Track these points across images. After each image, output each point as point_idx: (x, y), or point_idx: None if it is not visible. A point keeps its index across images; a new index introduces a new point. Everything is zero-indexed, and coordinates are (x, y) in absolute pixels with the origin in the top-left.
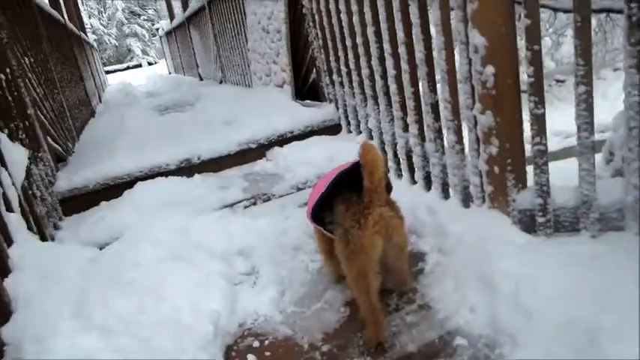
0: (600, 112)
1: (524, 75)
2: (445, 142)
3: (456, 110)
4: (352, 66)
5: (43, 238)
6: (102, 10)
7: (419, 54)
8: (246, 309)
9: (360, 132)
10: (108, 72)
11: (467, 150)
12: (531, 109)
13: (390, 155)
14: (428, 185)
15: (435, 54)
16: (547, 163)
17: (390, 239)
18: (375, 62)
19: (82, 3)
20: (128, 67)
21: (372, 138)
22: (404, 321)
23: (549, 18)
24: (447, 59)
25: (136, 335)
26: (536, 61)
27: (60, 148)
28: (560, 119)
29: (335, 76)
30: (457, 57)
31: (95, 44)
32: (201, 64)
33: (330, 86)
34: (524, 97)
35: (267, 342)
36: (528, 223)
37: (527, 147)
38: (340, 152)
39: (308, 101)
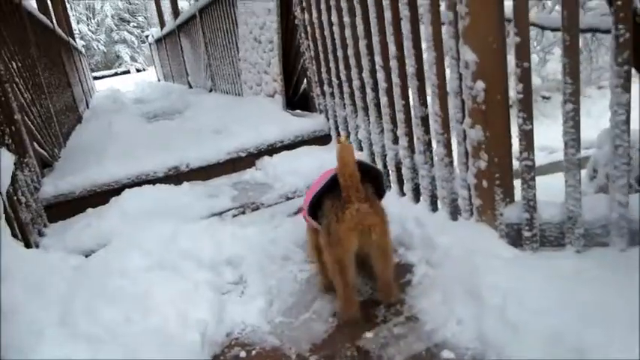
0: (585, 129)
1: (512, 91)
2: (434, 155)
3: (446, 124)
4: (343, 77)
5: (28, 245)
6: (91, 15)
7: (410, 68)
8: (233, 319)
9: (350, 142)
10: (96, 78)
11: (456, 163)
12: (520, 124)
13: (379, 166)
14: (417, 197)
15: (425, 67)
16: (534, 179)
17: (369, 236)
18: (366, 75)
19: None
20: (116, 74)
21: (361, 149)
22: (391, 332)
23: (537, 36)
24: (437, 74)
25: (123, 345)
26: (525, 78)
27: (46, 154)
28: (546, 135)
29: (326, 87)
30: (448, 72)
31: (83, 50)
32: (191, 72)
33: (320, 97)
34: (512, 112)
35: (254, 352)
36: (515, 237)
37: (514, 162)
38: (330, 162)
39: (298, 111)
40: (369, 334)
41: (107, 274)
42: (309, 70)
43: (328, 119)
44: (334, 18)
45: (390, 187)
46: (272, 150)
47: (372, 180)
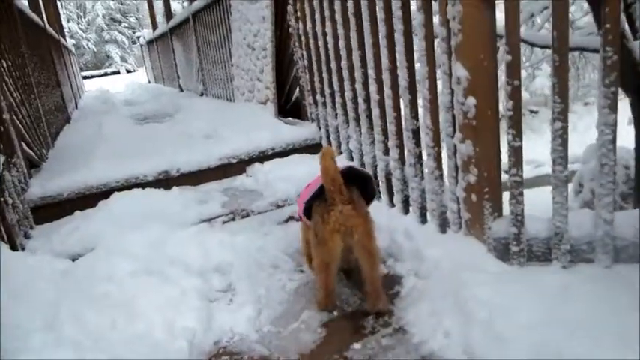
0: (571, 144)
1: (501, 104)
2: (425, 168)
3: (436, 137)
4: (336, 88)
5: (14, 248)
6: (81, 14)
7: (402, 81)
8: (221, 326)
9: (341, 152)
10: (85, 77)
11: (446, 176)
12: (509, 141)
13: None
14: (406, 209)
15: (418, 80)
16: (522, 194)
17: (352, 236)
18: (358, 86)
19: (62, 6)
20: (106, 74)
21: (352, 159)
22: (379, 344)
23: (525, 51)
24: (429, 88)
25: (108, 351)
26: (515, 95)
27: (34, 155)
28: (532, 149)
29: (318, 96)
30: (440, 86)
31: (73, 49)
32: (182, 75)
33: (312, 106)
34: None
35: None
36: (503, 252)
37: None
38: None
39: (290, 119)
40: (357, 345)
41: (94, 278)
42: (302, 79)
43: (320, 128)
44: (328, 29)
45: (381, 197)
46: (263, 157)
47: (363, 183)
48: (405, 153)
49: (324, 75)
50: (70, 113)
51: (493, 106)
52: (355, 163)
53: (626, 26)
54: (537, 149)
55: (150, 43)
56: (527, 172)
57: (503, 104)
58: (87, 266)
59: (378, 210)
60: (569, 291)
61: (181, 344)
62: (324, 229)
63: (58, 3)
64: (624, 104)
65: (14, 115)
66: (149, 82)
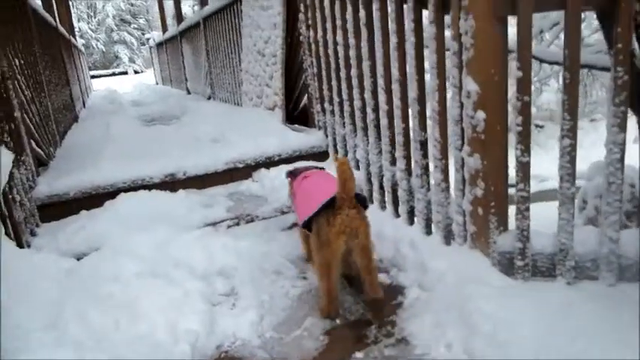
0: (577, 160)
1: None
2: (431, 180)
3: (444, 150)
4: (345, 96)
5: (20, 245)
6: (92, 14)
7: (412, 92)
8: (224, 331)
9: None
10: (93, 77)
11: (452, 189)
12: (517, 156)
13: (375, 187)
14: (411, 219)
15: (427, 92)
16: (529, 209)
17: (355, 237)
18: (367, 95)
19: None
20: (114, 74)
21: (359, 168)
22: (382, 354)
23: (534, 67)
24: (439, 100)
25: (110, 352)
26: (525, 111)
27: (42, 153)
28: (538, 164)
29: (327, 105)
30: (449, 99)
31: (82, 48)
32: (190, 78)
33: (320, 114)
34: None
35: None
36: (507, 266)
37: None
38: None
39: (297, 126)
40: (359, 355)
41: (99, 278)
42: (311, 87)
43: (327, 136)
44: (339, 38)
45: (386, 207)
46: (270, 163)
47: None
48: (412, 164)
49: (333, 83)
50: (77, 112)
51: (502, 120)
52: (362, 173)
53: (637, 45)
54: (543, 164)
55: (159, 45)
56: (532, 186)
57: (512, 118)
58: (92, 266)
59: (383, 220)
60: (573, 308)
61: (184, 347)
62: (329, 232)
63: (70, 2)
64: (631, 122)
65: (24, 113)
66: (157, 83)
